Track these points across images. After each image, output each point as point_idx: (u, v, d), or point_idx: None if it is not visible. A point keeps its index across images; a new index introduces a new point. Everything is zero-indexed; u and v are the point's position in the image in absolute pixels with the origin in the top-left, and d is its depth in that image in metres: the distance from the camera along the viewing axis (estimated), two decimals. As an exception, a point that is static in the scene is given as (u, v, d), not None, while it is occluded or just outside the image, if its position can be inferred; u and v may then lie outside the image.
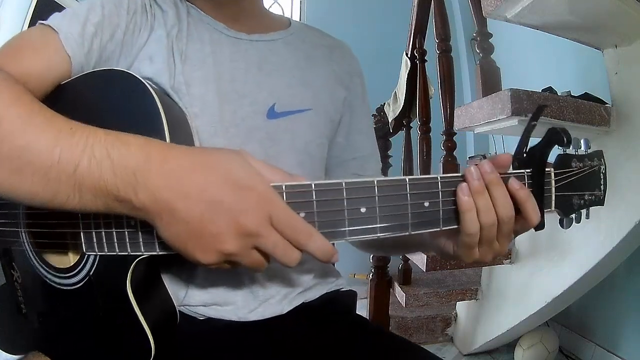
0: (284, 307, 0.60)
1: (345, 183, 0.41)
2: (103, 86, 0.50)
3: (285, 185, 0.40)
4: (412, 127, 2.03)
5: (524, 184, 0.46)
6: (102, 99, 0.50)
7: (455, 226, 0.45)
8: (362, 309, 1.98)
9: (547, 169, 0.47)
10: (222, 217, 0.37)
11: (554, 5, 1.09)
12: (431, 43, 1.72)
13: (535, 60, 2.19)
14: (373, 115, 2.11)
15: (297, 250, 0.40)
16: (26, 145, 0.38)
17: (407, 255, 1.74)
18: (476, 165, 0.44)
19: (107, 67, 0.53)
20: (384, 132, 2.04)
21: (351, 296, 0.71)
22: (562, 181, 0.48)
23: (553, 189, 0.48)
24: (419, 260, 1.56)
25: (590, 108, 1.22)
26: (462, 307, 1.95)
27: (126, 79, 0.48)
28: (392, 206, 0.42)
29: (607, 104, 1.26)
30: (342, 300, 0.69)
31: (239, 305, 0.58)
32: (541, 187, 0.47)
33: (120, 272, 0.46)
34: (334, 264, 0.85)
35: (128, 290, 0.46)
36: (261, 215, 0.37)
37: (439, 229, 0.44)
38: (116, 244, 0.45)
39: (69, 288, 0.51)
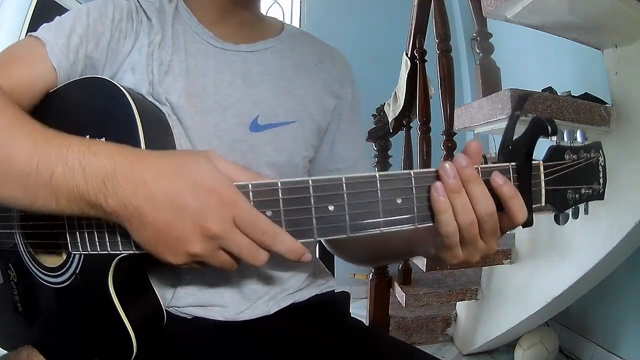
0: (271, 308, 0.60)
1: (312, 181, 0.40)
2: (84, 94, 0.52)
3: (252, 184, 0.41)
4: (412, 127, 2.03)
5: (509, 178, 0.43)
6: (83, 106, 0.52)
7: (431, 223, 0.42)
8: (362, 308, 1.98)
9: (535, 161, 0.44)
10: (187, 221, 0.38)
11: (554, 5, 1.09)
12: (431, 43, 1.72)
13: (535, 60, 2.19)
14: (373, 115, 2.11)
15: (264, 250, 0.40)
16: (8, 156, 0.41)
17: (407, 255, 1.74)
18: (451, 160, 0.41)
19: (91, 75, 0.56)
20: (384, 132, 2.04)
21: (344, 297, 0.71)
22: (552, 174, 0.45)
23: (542, 182, 0.44)
24: (419, 260, 1.56)
25: (590, 108, 1.22)
26: (462, 307, 1.95)
27: (105, 86, 0.50)
28: (361, 203, 0.41)
29: (607, 104, 1.26)
30: (334, 302, 0.69)
31: (227, 306, 0.58)
32: (528, 180, 0.43)
33: (103, 270, 0.48)
34: (333, 264, 0.85)
35: (110, 288, 0.48)
36: (224, 218, 0.39)
37: (413, 227, 0.42)
38: (97, 243, 0.47)
39: (58, 286, 0.53)
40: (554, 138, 0.45)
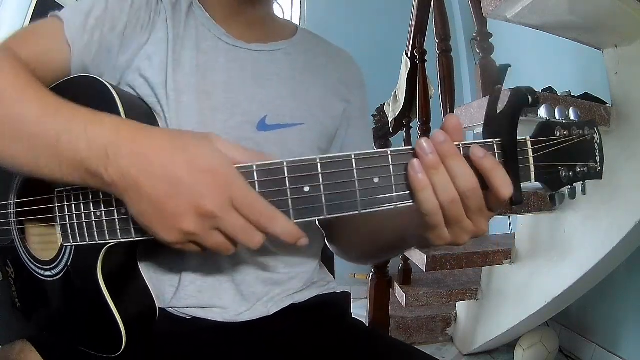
0: (271, 308, 0.60)
1: (287, 162, 0.40)
2: (73, 91, 0.52)
3: None
4: (412, 127, 2.03)
5: (494, 154, 0.41)
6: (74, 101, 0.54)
7: (411, 202, 0.41)
8: (362, 308, 1.98)
9: (522, 137, 0.42)
10: (183, 197, 0.38)
11: (554, 5, 1.09)
12: (431, 43, 1.72)
13: (535, 60, 2.19)
14: (373, 115, 2.11)
15: (260, 232, 0.40)
16: (17, 114, 0.42)
17: (407, 255, 1.74)
18: (428, 137, 0.40)
19: (107, 60, 0.57)
20: (384, 132, 2.04)
21: (345, 298, 0.71)
22: (541, 150, 0.42)
23: (531, 159, 0.42)
24: (419, 260, 1.56)
25: (590, 108, 1.22)
26: (462, 307, 1.95)
27: (93, 84, 0.51)
28: (337, 183, 0.40)
29: (607, 104, 1.26)
30: (335, 303, 0.68)
31: (227, 308, 0.58)
32: (513, 156, 0.41)
33: (92, 261, 0.49)
34: (333, 264, 0.85)
35: (99, 278, 0.49)
36: (221, 198, 0.38)
37: (393, 207, 0.41)
38: (86, 233, 0.48)
39: (52, 279, 0.54)
40: (543, 114, 0.43)
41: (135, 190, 0.39)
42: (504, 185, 0.39)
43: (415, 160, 0.40)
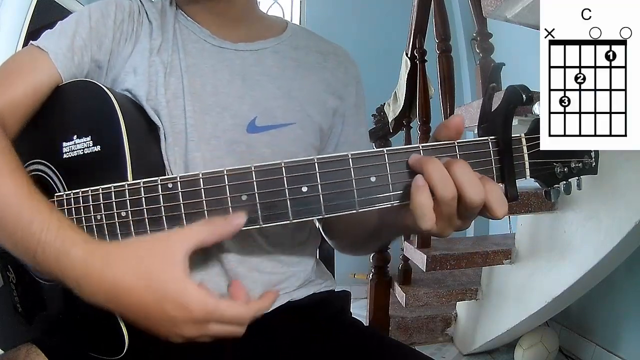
0: None
1: (284, 163, 0.41)
2: (72, 95, 0.54)
3: (226, 170, 0.42)
4: (412, 127, 2.03)
5: (489, 152, 0.42)
6: (70, 107, 0.54)
7: (407, 201, 0.41)
8: (362, 308, 1.98)
9: (517, 135, 0.43)
10: (163, 327, 0.42)
11: (554, 5, 1.09)
12: (431, 43, 1.72)
13: (535, 60, 2.19)
14: (373, 115, 2.11)
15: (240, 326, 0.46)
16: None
17: (407, 255, 1.74)
18: (441, 160, 0.40)
19: (98, 77, 0.57)
20: (384, 132, 2.04)
21: (344, 297, 0.71)
22: (536, 147, 0.42)
23: (525, 155, 0.43)
24: (419, 260, 1.56)
25: (590, 108, 1.22)
26: (462, 307, 1.95)
27: (91, 88, 0.51)
28: (335, 183, 0.41)
29: (607, 104, 1.26)
30: (333, 302, 0.68)
31: None
32: (508, 153, 0.42)
33: None
34: (333, 263, 0.85)
35: None
36: (195, 323, 0.42)
37: (390, 205, 0.42)
38: None
39: (53, 283, 0.53)
40: (538, 111, 0.43)
41: (119, 313, 0.44)
42: (502, 205, 0.41)
43: (419, 178, 0.40)
